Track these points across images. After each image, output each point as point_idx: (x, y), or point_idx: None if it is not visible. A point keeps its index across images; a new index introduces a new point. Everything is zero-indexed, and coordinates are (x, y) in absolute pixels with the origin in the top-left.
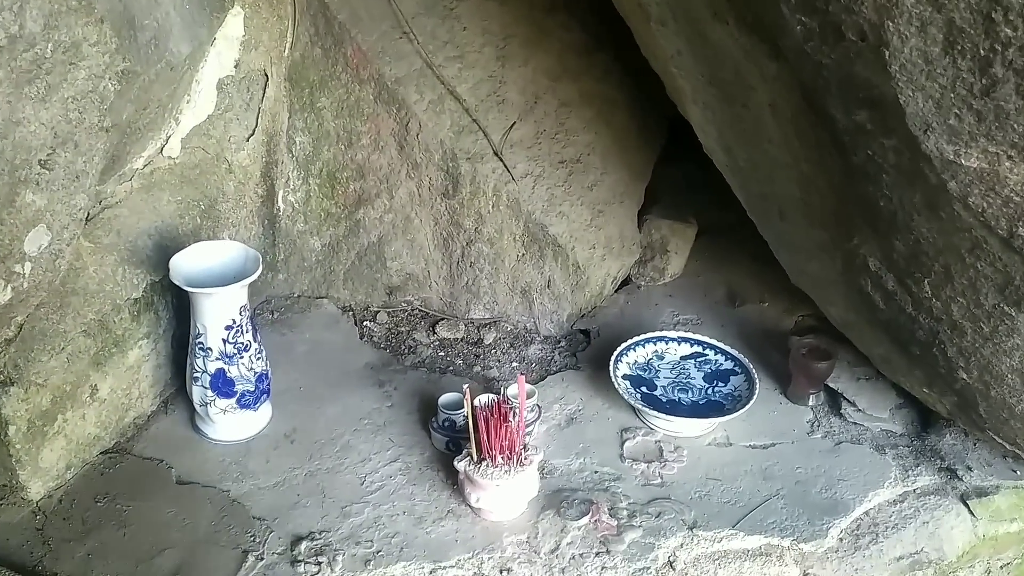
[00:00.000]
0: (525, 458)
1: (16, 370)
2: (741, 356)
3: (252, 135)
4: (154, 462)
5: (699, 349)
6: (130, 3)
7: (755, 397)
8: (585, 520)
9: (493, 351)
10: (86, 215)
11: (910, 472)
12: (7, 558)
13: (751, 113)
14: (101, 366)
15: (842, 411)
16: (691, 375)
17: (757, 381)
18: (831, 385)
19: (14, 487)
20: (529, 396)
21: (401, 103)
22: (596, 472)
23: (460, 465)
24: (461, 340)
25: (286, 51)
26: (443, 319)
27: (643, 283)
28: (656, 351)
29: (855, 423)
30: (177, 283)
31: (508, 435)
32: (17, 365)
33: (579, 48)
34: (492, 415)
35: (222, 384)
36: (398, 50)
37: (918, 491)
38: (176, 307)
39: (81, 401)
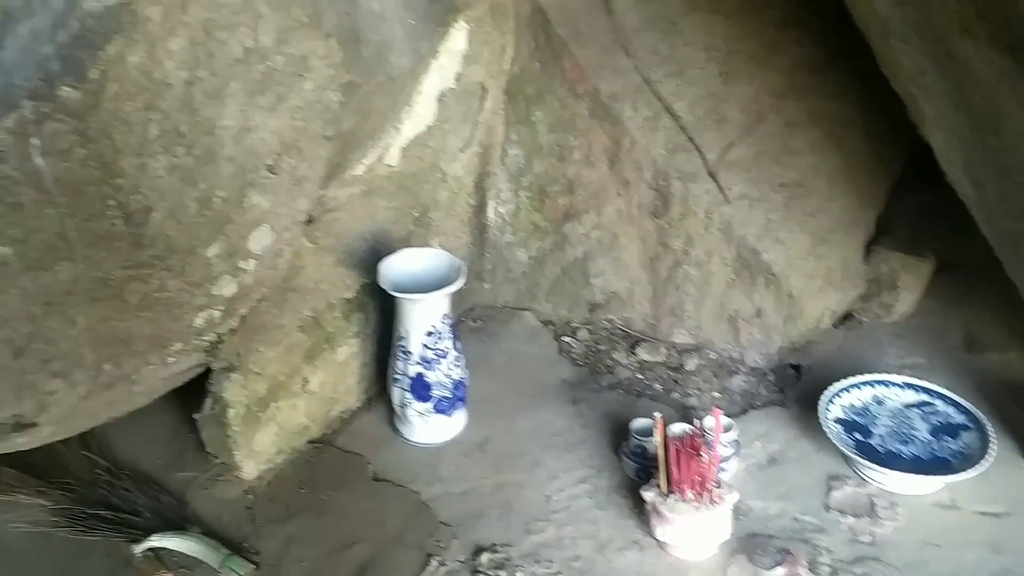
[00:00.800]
0: (717, 496)
1: (238, 358)
2: (975, 409)
3: (468, 146)
4: (354, 456)
5: (926, 398)
6: (357, 19)
7: (989, 457)
8: (780, 571)
9: (694, 378)
10: (307, 217)
11: None
12: (221, 532)
13: (1004, 142)
14: (313, 360)
15: None
16: (915, 426)
17: (993, 439)
18: None
19: (231, 466)
20: (727, 430)
21: (615, 119)
22: (796, 520)
23: (647, 495)
24: (661, 364)
25: (506, 64)
26: (644, 341)
27: (867, 319)
28: (875, 395)
29: None
30: (384, 287)
31: (699, 470)
32: (239, 354)
33: (811, 64)
34: (684, 447)
35: (420, 388)
36: (616, 65)
37: None
38: (382, 309)
39: (293, 392)
